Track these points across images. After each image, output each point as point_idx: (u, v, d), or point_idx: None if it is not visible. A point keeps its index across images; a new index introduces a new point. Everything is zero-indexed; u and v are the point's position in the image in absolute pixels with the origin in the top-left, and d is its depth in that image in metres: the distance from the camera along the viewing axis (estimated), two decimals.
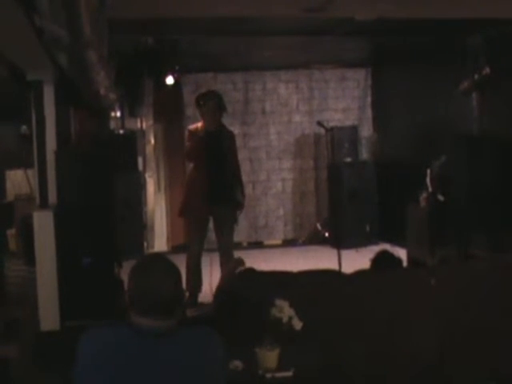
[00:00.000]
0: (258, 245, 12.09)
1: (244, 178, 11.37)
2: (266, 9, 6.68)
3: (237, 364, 3.72)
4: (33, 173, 8.35)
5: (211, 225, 8.17)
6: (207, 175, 7.75)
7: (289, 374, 3.68)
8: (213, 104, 7.84)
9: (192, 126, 8.12)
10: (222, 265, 7.89)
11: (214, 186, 7.75)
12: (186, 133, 8.17)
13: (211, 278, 8.01)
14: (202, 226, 7.90)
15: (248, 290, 4.55)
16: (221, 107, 7.95)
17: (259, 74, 12.10)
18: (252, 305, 4.24)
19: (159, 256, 3.07)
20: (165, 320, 2.72)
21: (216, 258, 7.98)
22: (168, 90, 11.20)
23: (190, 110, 11.36)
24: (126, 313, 2.76)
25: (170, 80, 10.90)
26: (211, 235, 8.28)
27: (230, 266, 5.59)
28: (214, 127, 7.83)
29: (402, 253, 7.92)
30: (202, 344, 2.76)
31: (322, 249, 11.37)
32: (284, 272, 5.14)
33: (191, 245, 7.96)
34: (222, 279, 7.66)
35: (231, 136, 8.21)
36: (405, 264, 6.92)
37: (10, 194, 11.02)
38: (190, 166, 8.26)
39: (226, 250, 7.96)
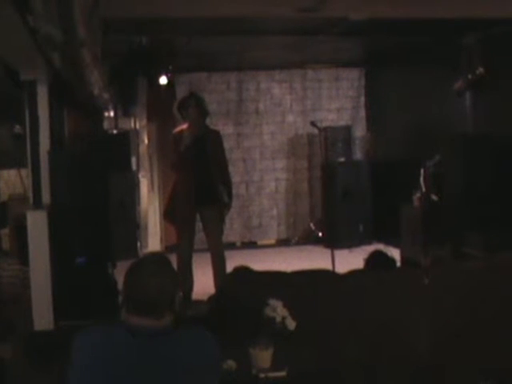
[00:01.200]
0: (251, 245, 12.10)
1: (237, 177, 11.49)
2: (259, 9, 6.68)
3: (230, 364, 3.72)
4: (26, 172, 8.35)
5: (201, 225, 8.17)
6: (192, 178, 7.68)
7: (282, 373, 3.68)
8: (192, 112, 7.68)
9: (176, 130, 7.92)
10: (213, 265, 7.89)
11: (199, 188, 7.69)
12: (171, 138, 8.00)
13: (203, 277, 8.03)
14: (189, 227, 7.87)
15: (242, 290, 4.55)
16: (202, 112, 7.81)
17: (253, 73, 12.09)
18: (246, 305, 4.24)
19: (156, 255, 3.07)
20: (156, 319, 2.72)
21: (207, 257, 7.98)
22: (162, 90, 11.19)
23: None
24: (120, 312, 2.77)
25: (163, 80, 10.89)
26: (203, 235, 8.28)
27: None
28: (197, 133, 7.70)
29: (395, 253, 7.94)
30: (195, 344, 2.75)
31: (315, 249, 11.39)
32: (277, 272, 5.14)
33: (180, 246, 7.94)
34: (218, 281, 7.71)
35: (216, 136, 8.07)
36: (398, 264, 6.94)
37: (4, 194, 11.00)
38: None
39: (217, 250, 7.95)
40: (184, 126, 7.77)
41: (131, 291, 2.76)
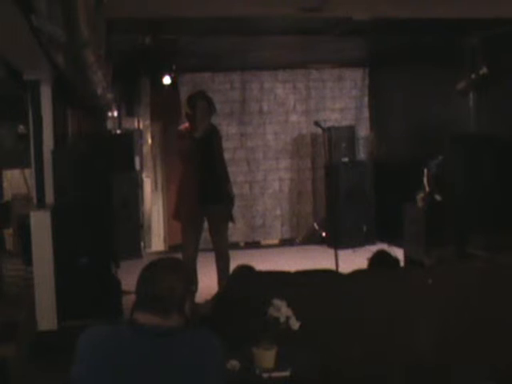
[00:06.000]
0: (255, 245, 12.09)
1: (241, 177, 11.53)
2: (263, 8, 6.67)
3: (234, 364, 3.72)
4: (30, 172, 8.35)
5: (206, 225, 8.14)
6: (199, 175, 7.68)
7: (286, 373, 3.68)
8: (203, 105, 7.73)
9: (181, 127, 7.97)
10: (217, 263, 7.87)
11: (207, 186, 7.69)
12: (176, 134, 8.04)
13: (207, 277, 8.01)
14: (196, 227, 7.86)
15: (245, 290, 4.55)
16: (211, 108, 7.84)
17: (256, 73, 12.09)
18: (249, 304, 4.24)
19: (173, 259, 3.07)
20: (163, 318, 2.72)
21: (211, 257, 7.96)
22: (165, 90, 11.21)
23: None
24: (124, 312, 2.77)
25: (167, 80, 10.92)
26: (207, 235, 8.27)
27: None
28: (205, 128, 7.72)
29: (399, 253, 7.93)
30: (199, 345, 2.75)
31: (319, 248, 11.39)
32: (281, 272, 5.14)
33: (186, 246, 7.91)
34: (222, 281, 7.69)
35: (218, 134, 8.17)
36: (402, 264, 6.94)
37: (7, 194, 11.01)
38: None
39: (222, 248, 7.93)
40: (187, 125, 7.79)
41: (142, 287, 2.78)
